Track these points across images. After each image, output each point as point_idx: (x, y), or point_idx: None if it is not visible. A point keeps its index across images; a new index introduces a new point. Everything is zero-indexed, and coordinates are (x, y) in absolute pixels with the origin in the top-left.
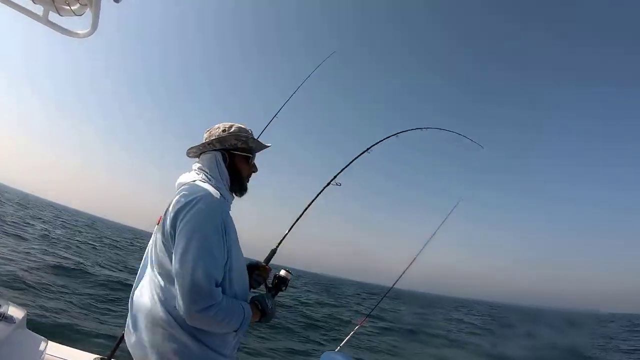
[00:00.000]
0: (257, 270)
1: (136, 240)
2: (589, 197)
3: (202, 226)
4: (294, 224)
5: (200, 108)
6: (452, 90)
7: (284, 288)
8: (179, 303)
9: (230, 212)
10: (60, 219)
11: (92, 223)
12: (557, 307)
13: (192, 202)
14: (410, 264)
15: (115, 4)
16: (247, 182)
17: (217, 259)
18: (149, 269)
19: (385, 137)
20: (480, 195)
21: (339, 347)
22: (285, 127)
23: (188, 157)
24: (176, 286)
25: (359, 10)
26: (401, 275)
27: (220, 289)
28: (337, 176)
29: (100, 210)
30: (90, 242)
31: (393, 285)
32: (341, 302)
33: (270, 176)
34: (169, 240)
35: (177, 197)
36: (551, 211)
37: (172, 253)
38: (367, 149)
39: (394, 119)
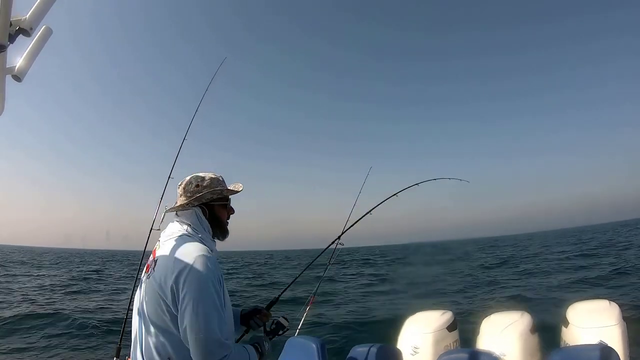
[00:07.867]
0: (258, 315)
1: None
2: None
3: (207, 286)
4: (296, 278)
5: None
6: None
7: (280, 333)
8: (196, 356)
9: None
10: None
11: None
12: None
13: (193, 262)
14: (341, 234)
15: (18, 83)
16: (227, 225)
17: (223, 314)
18: (141, 319)
19: (385, 198)
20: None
21: (297, 331)
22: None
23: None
24: (190, 341)
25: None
26: (336, 246)
27: (230, 340)
28: (341, 237)
29: None
30: None
31: (331, 258)
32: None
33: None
34: (168, 295)
35: (170, 254)
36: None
37: (168, 306)
38: (369, 211)
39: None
